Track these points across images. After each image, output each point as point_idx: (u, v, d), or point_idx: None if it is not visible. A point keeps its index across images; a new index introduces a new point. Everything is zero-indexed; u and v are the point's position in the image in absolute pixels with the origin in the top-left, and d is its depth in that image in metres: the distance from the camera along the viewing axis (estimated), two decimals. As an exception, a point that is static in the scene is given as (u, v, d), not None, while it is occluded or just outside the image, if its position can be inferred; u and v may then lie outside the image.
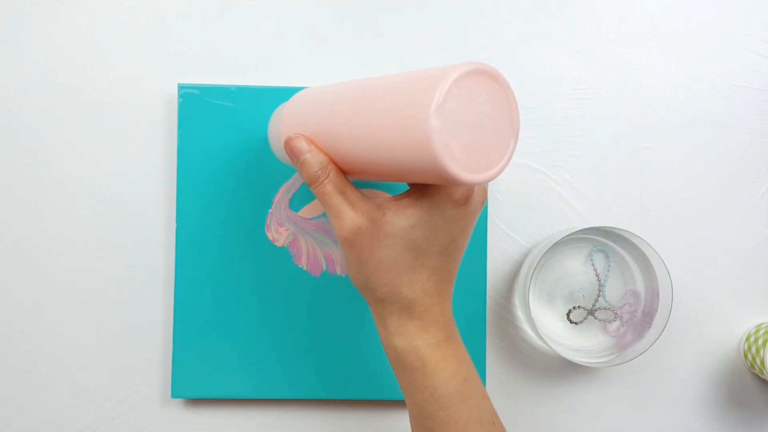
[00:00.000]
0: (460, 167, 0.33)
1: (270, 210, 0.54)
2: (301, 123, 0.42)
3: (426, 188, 0.39)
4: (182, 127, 0.54)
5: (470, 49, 0.57)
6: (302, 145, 0.40)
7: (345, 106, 0.38)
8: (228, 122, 0.54)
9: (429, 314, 0.40)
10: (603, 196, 0.57)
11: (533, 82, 0.57)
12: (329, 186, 0.39)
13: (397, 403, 0.56)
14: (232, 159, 0.54)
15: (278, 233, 0.54)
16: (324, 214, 0.54)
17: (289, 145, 0.41)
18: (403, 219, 0.38)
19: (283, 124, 0.45)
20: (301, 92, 0.46)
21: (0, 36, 0.55)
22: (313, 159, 0.39)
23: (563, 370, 0.57)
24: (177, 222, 0.54)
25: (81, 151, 0.55)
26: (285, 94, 0.54)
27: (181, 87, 0.54)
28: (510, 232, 0.57)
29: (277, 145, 0.47)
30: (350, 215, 0.38)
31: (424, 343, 0.40)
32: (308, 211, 0.54)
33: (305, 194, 0.54)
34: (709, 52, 0.57)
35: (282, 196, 0.54)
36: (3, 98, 0.55)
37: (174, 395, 0.54)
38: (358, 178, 0.41)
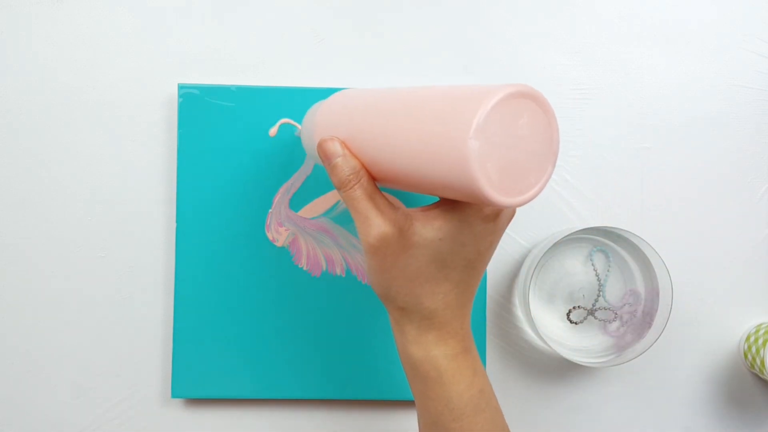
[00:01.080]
0: (496, 190, 0.32)
1: (270, 210, 0.54)
2: (336, 124, 0.41)
3: (456, 203, 0.38)
4: (182, 127, 0.54)
5: (470, 50, 0.57)
6: (336, 148, 0.39)
7: (383, 115, 0.38)
8: (228, 122, 0.54)
9: (449, 326, 0.40)
10: (603, 196, 0.57)
11: (533, 82, 0.57)
12: (359, 191, 0.38)
13: (398, 403, 0.56)
14: (232, 159, 0.54)
15: (278, 233, 0.54)
16: (324, 214, 0.55)
17: (322, 147, 0.40)
18: (430, 231, 0.38)
19: (317, 123, 0.44)
20: (338, 93, 0.45)
21: (0, 36, 0.55)
22: (346, 164, 0.39)
23: (563, 370, 0.57)
24: (177, 222, 0.54)
25: (81, 151, 0.55)
26: (285, 94, 0.54)
27: (181, 87, 0.54)
28: (510, 232, 0.57)
29: (309, 142, 0.46)
30: (378, 222, 0.38)
31: (441, 354, 0.40)
32: (308, 211, 0.54)
33: (305, 194, 0.54)
34: (709, 52, 0.57)
35: (282, 196, 0.54)
36: (3, 98, 0.55)
37: (174, 395, 0.54)
38: (388, 186, 0.41)
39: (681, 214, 0.57)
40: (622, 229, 0.52)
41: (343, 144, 0.40)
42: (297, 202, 0.54)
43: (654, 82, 0.57)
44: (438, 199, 0.40)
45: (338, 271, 0.55)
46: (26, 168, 0.55)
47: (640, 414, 0.57)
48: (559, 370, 0.56)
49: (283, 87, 0.54)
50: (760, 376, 0.55)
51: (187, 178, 0.54)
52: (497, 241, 0.40)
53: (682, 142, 0.57)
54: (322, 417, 0.56)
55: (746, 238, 0.57)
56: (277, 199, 0.54)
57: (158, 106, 0.56)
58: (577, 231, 0.51)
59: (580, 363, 0.52)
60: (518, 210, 0.56)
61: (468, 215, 0.38)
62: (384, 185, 0.41)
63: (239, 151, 0.54)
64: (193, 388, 0.54)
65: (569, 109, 0.57)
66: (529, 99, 0.33)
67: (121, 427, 0.55)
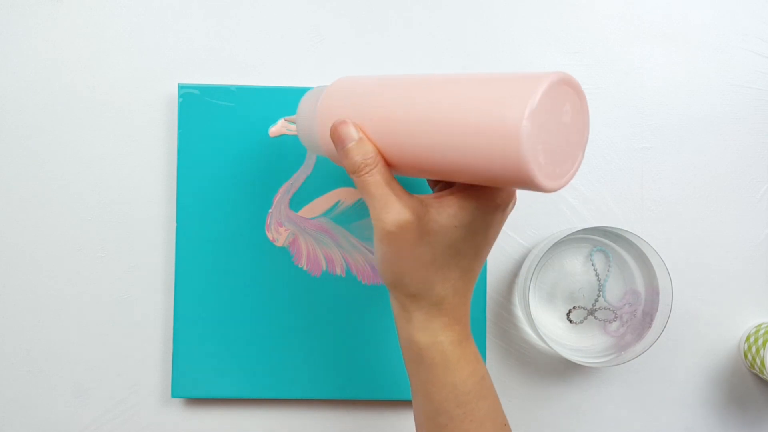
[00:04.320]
0: (543, 173, 0.33)
1: (270, 210, 0.54)
2: (345, 110, 0.41)
3: (470, 190, 0.38)
4: (182, 127, 0.54)
5: (470, 50, 0.57)
6: (351, 131, 0.39)
7: (410, 100, 0.37)
8: (228, 122, 0.54)
9: (456, 312, 0.40)
10: (603, 196, 0.57)
11: (533, 82, 0.57)
12: (378, 176, 0.38)
13: (397, 403, 0.56)
14: (232, 159, 0.54)
15: (278, 233, 0.54)
16: (324, 214, 0.54)
17: (336, 130, 0.39)
18: (447, 218, 0.38)
19: (320, 110, 0.43)
20: (341, 79, 0.44)
21: (0, 36, 0.55)
22: (362, 147, 0.38)
23: (563, 370, 0.57)
24: (177, 222, 0.54)
25: (81, 151, 0.55)
26: (285, 94, 0.54)
27: (181, 87, 0.54)
28: (510, 232, 0.57)
29: (308, 131, 0.45)
30: (398, 208, 0.37)
31: (447, 340, 0.40)
32: (308, 211, 0.54)
33: (305, 194, 0.54)
34: (709, 52, 0.57)
35: (282, 196, 0.54)
36: (3, 98, 0.55)
37: (174, 395, 0.54)
38: (400, 173, 0.40)
39: (681, 214, 0.57)
40: (622, 229, 0.52)
41: (359, 127, 0.39)
42: (297, 202, 0.54)
43: (654, 82, 0.57)
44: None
45: (338, 271, 0.55)
46: (26, 168, 0.55)
47: (641, 414, 0.57)
48: (559, 370, 0.56)
49: (283, 87, 0.54)
50: (760, 376, 0.55)
51: (187, 178, 0.54)
52: (500, 230, 0.41)
53: (682, 142, 0.57)
54: (322, 417, 0.56)
55: (746, 238, 0.57)
56: (277, 199, 0.54)
57: (158, 106, 0.56)
58: (577, 231, 0.51)
59: (580, 363, 0.52)
60: (519, 210, 0.56)
61: (482, 203, 0.38)
62: (397, 172, 0.40)
63: (239, 151, 0.54)
64: (193, 388, 0.54)
65: (569, 109, 0.57)
66: (571, 87, 0.34)
67: (121, 427, 0.55)
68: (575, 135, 0.35)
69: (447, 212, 0.38)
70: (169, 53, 0.56)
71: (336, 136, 0.39)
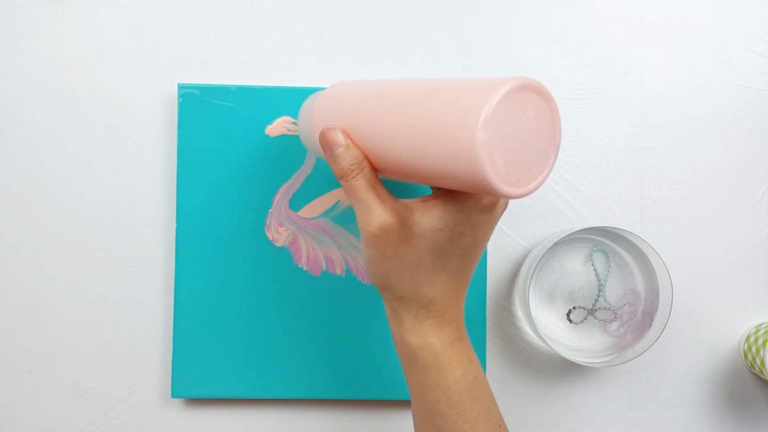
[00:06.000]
0: (502, 180, 0.33)
1: (270, 210, 0.54)
2: (336, 115, 0.41)
3: (455, 193, 0.39)
4: (182, 127, 0.54)
5: (470, 50, 0.57)
6: (338, 137, 0.40)
7: (388, 106, 0.38)
8: (228, 122, 0.54)
9: (446, 314, 0.40)
10: (603, 196, 0.57)
11: (533, 82, 0.57)
12: (362, 180, 0.39)
13: (398, 403, 0.56)
14: (232, 159, 0.54)
15: (278, 233, 0.54)
16: (324, 214, 0.55)
17: (324, 137, 0.40)
18: (430, 221, 0.38)
19: (315, 115, 0.44)
20: (336, 83, 0.45)
21: (0, 36, 0.55)
22: (348, 153, 0.39)
23: (563, 370, 0.57)
24: (177, 222, 0.54)
25: (81, 151, 0.55)
26: (285, 94, 0.54)
27: (181, 87, 0.54)
28: (510, 232, 0.57)
29: (306, 135, 0.46)
30: (380, 211, 0.38)
31: (438, 342, 0.40)
32: (308, 211, 0.54)
33: (305, 194, 0.54)
34: (709, 52, 0.57)
35: (282, 196, 0.54)
36: (3, 98, 0.55)
37: (174, 395, 0.54)
38: (388, 177, 0.41)
39: (681, 214, 0.57)
40: (622, 229, 0.52)
41: (346, 133, 0.40)
42: (297, 202, 0.54)
43: (654, 82, 0.57)
44: (431, 190, 0.41)
45: (338, 271, 0.55)
46: (26, 168, 0.55)
47: (640, 414, 0.57)
48: (559, 370, 0.56)
49: (283, 87, 0.54)
50: (760, 376, 0.55)
51: (187, 178, 0.54)
52: (492, 231, 0.41)
53: (682, 142, 0.57)
54: (322, 417, 0.56)
55: (746, 238, 0.57)
56: (277, 199, 0.54)
57: (158, 106, 0.56)
58: (577, 231, 0.51)
59: (580, 363, 0.52)
60: (519, 210, 0.56)
61: (466, 206, 0.38)
62: (384, 176, 0.41)
63: (239, 151, 0.54)
64: (193, 388, 0.54)
65: (569, 109, 0.57)
66: (535, 92, 0.33)
67: (121, 427, 0.55)
68: (542, 140, 0.35)
69: (431, 215, 0.38)
70: (169, 53, 0.56)
71: (324, 142, 0.40)
